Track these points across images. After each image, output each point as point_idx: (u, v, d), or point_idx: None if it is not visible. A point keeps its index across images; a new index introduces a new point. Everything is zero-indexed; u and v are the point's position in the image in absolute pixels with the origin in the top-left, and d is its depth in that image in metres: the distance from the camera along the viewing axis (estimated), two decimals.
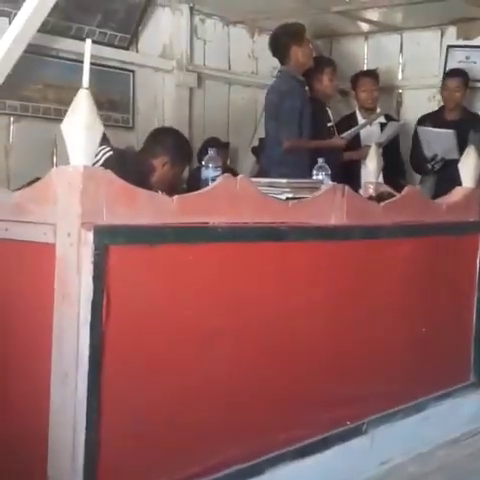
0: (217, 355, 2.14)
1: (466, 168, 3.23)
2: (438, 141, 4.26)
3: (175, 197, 2.00)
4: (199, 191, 2.13)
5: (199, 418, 2.08)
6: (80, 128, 1.74)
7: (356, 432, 2.62)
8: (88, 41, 1.79)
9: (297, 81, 3.98)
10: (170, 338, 1.98)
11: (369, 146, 3.93)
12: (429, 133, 4.36)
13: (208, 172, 2.61)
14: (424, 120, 4.58)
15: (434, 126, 4.38)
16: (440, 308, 3.06)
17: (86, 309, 1.74)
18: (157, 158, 3.01)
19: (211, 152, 2.65)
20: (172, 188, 4.06)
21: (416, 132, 4.53)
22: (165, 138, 3.13)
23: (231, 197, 2.18)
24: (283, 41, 3.99)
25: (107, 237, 1.77)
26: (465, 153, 3.25)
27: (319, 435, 2.47)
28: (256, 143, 5.01)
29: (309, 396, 2.44)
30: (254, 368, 2.26)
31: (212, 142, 4.50)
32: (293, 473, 2.34)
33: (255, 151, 5.03)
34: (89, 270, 1.74)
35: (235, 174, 4.50)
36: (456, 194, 3.18)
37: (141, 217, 1.88)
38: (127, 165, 2.72)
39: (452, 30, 4.94)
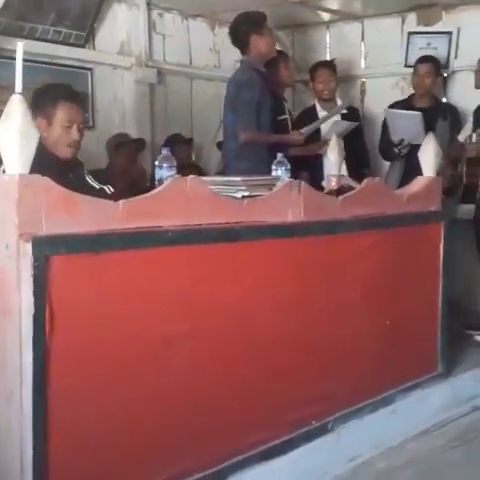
0: (174, 361, 2.10)
1: (426, 156, 3.19)
2: (405, 124, 4.22)
3: (121, 202, 1.94)
4: (147, 194, 2.07)
5: (156, 426, 2.03)
6: (14, 135, 1.68)
7: (322, 430, 2.59)
8: (20, 45, 1.71)
9: (257, 72, 3.85)
10: (121, 347, 1.93)
11: (326, 141, 3.88)
12: (396, 115, 4.32)
13: (162, 172, 2.53)
14: (393, 107, 4.54)
15: None
16: (405, 300, 3.04)
17: (28, 323, 1.68)
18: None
19: (164, 151, 2.56)
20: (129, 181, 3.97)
21: (385, 121, 4.49)
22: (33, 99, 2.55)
23: (182, 198, 2.12)
24: (243, 30, 3.87)
25: (47, 248, 1.71)
26: (425, 141, 3.20)
27: (284, 436, 2.43)
28: (222, 138, 4.95)
29: (272, 397, 2.40)
30: (213, 372, 2.22)
31: (175, 139, 4.45)
32: (258, 477, 2.30)
33: (221, 146, 4.96)
34: (29, 283, 1.68)
35: (200, 170, 4.52)
36: (417, 184, 3.15)
37: (84, 224, 1.82)
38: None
39: (412, 17, 4.92)
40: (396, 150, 4.34)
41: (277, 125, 4.02)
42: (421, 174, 3.18)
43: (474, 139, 4.07)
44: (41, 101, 2.56)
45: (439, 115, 4.38)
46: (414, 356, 3.11)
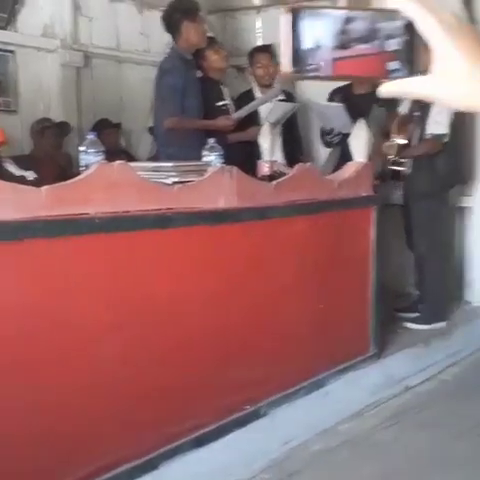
0: (103, 351, 2.05)
1: (357, 142, 3.22)
2: (331, 115, 4.25)
3: (44, 188, 1.87)
4: (72, 180, 2.00)
5: (84, 417, 1.99)
6: None
7: (255, 415, 2.59)
8: None
9: (183, 60, 3.82)
10: (46, 338, 1.87)
11: (258, 126, 3.86)
12: (320, 107, 4.34)
13: (88, 158, 2.45)
14: (335, 93, 4.54)
15: (343, 100, 4.33)
16: (337, 283, 3.07)
17: None
18: None
19: (91, 136, 2.48)
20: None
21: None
22: None
23: (109, 184, 2.07)
24: (176, 17, 3.83)
25: None
26: (356, 127, 3.23)
27: (217, 422, 2.42)
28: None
29: (204, 384, 2.38)
30: (144, 359, 2.18)
31: (102, 124, 4.34)
32: (190, 464, 2.28)
33: (153, 131, 4.88)
34: None
35: (130, 156, 4.43)
36: (348, 169, 3.18)
37: (4, 212, 1.74)
38: None
39: (343, 2, 4.92)
40: (327, 139, 4.36)
41: (217, 111, 3.98)
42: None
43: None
44: None
45: (375, 101, 4.41)
46: (346, 338, 3.15)
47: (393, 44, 0.68)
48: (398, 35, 0.68)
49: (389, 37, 0.68)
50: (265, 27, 5.33)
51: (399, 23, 0.68)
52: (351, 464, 2.71)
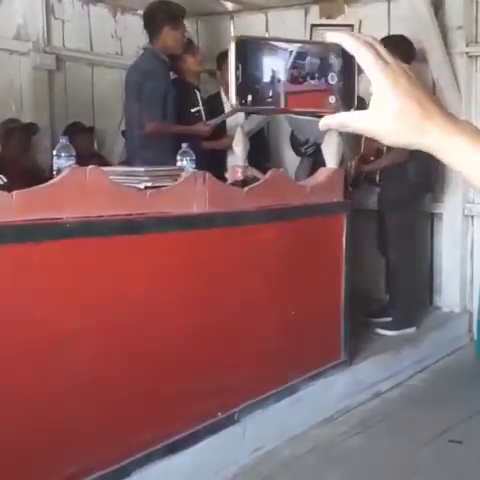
0: (73, 356, 2.03)
1: (329, 149, 3.24)
2: (307, 126, 4.27)
3: (15, 192, 1.85)
4: (43, 184, 1.98)
5: (55, 423, 1.96)
6: None
7: (228, 422, 2.59)
8: None
9: (161, 61, 3.78)
10: (17, 345, 1.85)
11: (230, 137, 3.86)
12: (298, 120, 4.36)
13: (60, 162, 2.43)
14: None
15: None
16: (309, 289, 3.08)
17: None
18: None
19: (63, 140, 2.46)
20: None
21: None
22: None
23: (81, 189, 2.05)
24: (158, 17, 3.77)
25: None
26: (328, 134, 3.25)
27: (189, 429, 2.41)
28: None
29: (176, 391, 2.37)
30: (116, 366, 2.17)
31: (75, 127, 4.30)
32: (162, 471, 2.27)
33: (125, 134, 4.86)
34: None
35: (103, 159, 4.40)
36: (320, 175, 3.19)
37: None
38: None
39: (315, 9, 4.96)
40: (302, 149, 4.38)
41: (190, 117, 3.96)
42: None
43: None
44: None
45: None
46: (318, 345, 3.16)
47: (335, 77, 0.69)
48: (339, 68, 0.69)
49: (333, 70, 0.69)
50: (238, 32, 5.34)
51: (339, 57, 0.69)
52: (320, 470, 2.73)
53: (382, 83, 0.67)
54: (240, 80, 0.66)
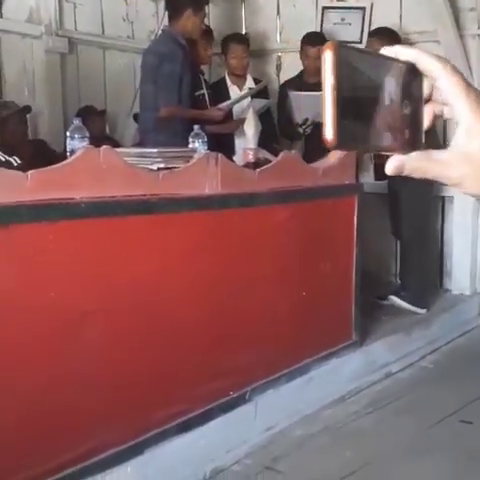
0: (89, 336, 2.06)
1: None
2: (309, 104, 4.24)
3: (30, 172, 1.87)
4: (58, 165, 2.00)
5: (70, 402, 1.99)
6: None
7: (240, 401, 2.61)
8: None
9: (178, 44, 3.76)
10: (32, 323, 1.87)
11: (241, 120, 3.86)
12: (302, 97, 4.34)
13: (74, 143, 2.46)
14: (287, 84, 4.54)
15: (297, 89, 4.33)
16: (320, 270, 3.09)
17: None
18: None
19: (76, 121, 2.49)
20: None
21: (282, 98, 4.47)
22: None
23: (95, 170, 2.07)
24: (182, 0, 3.79)
25: None
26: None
27: (201, 408, 2.44)
28: (138, 109, 4.85)
29: (189, 369, 2.40)
30: (130, 346, 2.19)
31: (87, 110, 4.31)
32: (175, 449, 2.30)
33: (137, 118, 4.86)
34: None
35: (114, 142, 4.41)
36: (331, 158, 3.19)
37: None
38: None
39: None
40: (300, 130, 4.35)
41: (195, 101, 3.96)
42: (324, 151, 3.22)
43: None
44: None
45: None
46: (329, 326, 3.18)
47: (408, 106, 0.55)
48: (409, 93, 0.55)
49: (407, 96, 0.54)
50: (248, 15, 5.32)
51: (407, 79, 0.54)
52: (332, 449, 2.76)
53: (473, 115, 0.54)
54: (341, 107, 0.50)
